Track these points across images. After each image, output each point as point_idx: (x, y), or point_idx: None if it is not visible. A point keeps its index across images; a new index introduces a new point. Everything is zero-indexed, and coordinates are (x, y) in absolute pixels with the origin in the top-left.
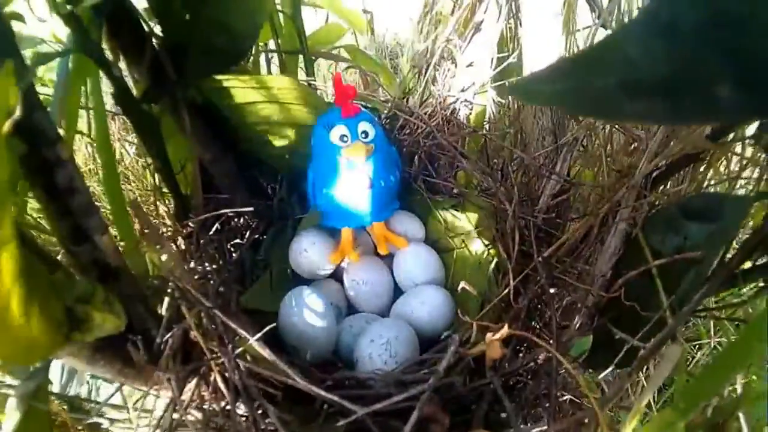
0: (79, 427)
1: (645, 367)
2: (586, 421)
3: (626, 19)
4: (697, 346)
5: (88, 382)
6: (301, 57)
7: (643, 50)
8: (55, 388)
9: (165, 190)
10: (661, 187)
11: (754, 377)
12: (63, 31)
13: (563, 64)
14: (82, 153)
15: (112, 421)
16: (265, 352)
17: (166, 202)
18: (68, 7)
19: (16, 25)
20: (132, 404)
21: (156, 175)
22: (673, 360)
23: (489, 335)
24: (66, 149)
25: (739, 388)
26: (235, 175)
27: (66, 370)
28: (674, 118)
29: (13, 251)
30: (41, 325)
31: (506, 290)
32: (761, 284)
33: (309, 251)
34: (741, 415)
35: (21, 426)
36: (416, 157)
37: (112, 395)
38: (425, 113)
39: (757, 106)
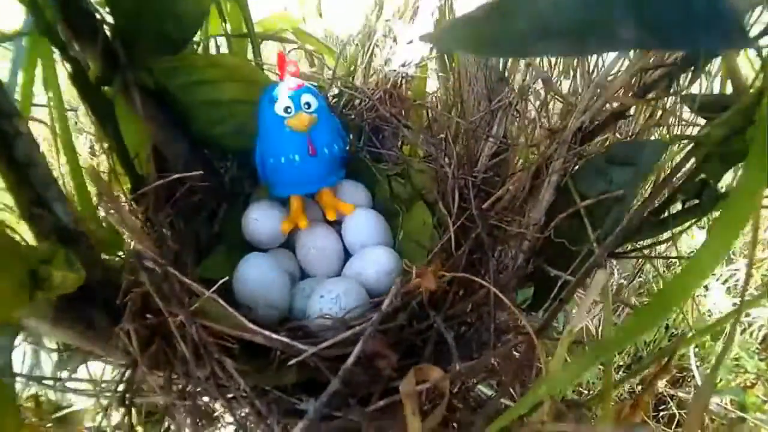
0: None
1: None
2: (522, 348)
3: None
4: None
5: None
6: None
7: (552, 4)
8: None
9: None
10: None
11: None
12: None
13: (479, 13)
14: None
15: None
16: (220, 304)
17: (122, 183)
18: None
19: None
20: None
21: (111, 157)
22: (600, 284)
23: (424, 267)
24: (24, 123)
25: None
26: (188, 156)
27: (25, 366)
28: (579, 53)
29: None
30: (5, 283)
31: (447, 237)
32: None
33: (260, 221)
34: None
35: None
36: (361, 130)
37: (76, 368)
38: (368, 88)
39: (651, 41)
